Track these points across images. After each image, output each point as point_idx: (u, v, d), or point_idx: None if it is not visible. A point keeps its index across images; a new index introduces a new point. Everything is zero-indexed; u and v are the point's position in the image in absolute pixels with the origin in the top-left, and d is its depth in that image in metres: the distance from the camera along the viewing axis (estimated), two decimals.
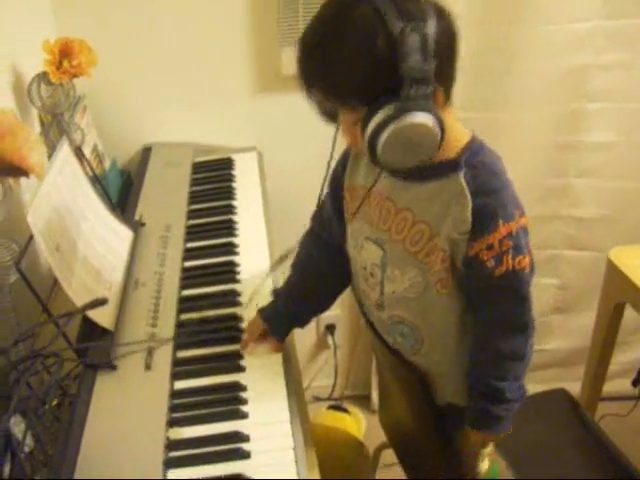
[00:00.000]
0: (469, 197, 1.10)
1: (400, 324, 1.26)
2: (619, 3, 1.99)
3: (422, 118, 1.02)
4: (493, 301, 1.17)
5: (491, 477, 1.44)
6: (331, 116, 1.18)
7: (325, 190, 1.35)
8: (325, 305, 1.45)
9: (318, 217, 1.39)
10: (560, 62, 2.07)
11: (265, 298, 1.42)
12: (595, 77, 2.10)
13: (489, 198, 1.11)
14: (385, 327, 1.31)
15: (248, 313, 1.41)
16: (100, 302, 1.21)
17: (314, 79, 1.08)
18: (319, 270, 1.39)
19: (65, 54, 1.64)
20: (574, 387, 2.01)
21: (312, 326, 1.47)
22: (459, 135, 1.14)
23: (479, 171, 1.12)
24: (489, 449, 1.41)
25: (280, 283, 1.46)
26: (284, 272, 1.45)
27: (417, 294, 1.20)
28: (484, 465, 1.41)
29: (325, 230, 1.38)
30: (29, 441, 0.97)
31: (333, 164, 1.31)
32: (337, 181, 1.32)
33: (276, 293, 1.42)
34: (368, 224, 1.25)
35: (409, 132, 1.03)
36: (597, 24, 2.02)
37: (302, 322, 1.43)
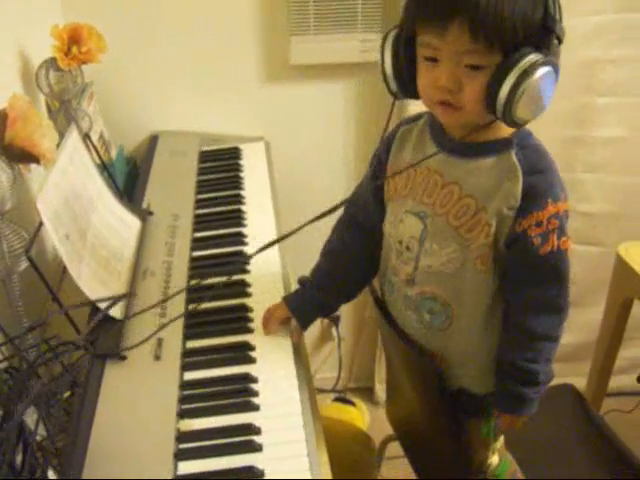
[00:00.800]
0: (520, 174, 1.13)
1: (431, 300, 1.26)
2: None
3: (555, 74, 1.05)
4: (534, 281, 1.19)
5: (502, 471, 1.43)
6: (403, 76, 1.15)
7: (364, 178, 1.36)
8: (352, 294, 1.44)
9: (353, 202, 1.37)
10: (570, 56, 2.02)
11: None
12: (605, 71, 2.09)
13: (539, 177, 1.14)
14: (413, 304, 1.29)
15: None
16: (119, 298, 1.19)
17: (472, 9, 1.02)
18: (351, 257, 1.39)
19: (74, 40, 1.63)
20: (580, 382, 2.00)
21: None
22: None
23: (530, 151, 1.15)
24: (499, 444, 1.40)
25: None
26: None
27: (453, 270, 1.21)
28: (494, 459, 1.41)
29: (362, 214, 1.37)
30: (41, 431, 0.96)
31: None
32: (379, 163, 1.32)
33: (303, 281, 1.41)
34: (411, 198, 1.25)
35: (546, 83, 1.04)
36: (608, 18, 2.01)
37: (329, 311, 1.43)
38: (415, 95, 1.17)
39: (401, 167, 1.26)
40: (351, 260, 1.39)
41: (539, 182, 1.13)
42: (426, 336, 1.30)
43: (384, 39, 1.16)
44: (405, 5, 1.13)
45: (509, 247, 1.17)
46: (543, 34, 1.05)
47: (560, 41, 1.06)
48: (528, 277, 1.18)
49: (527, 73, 1.02)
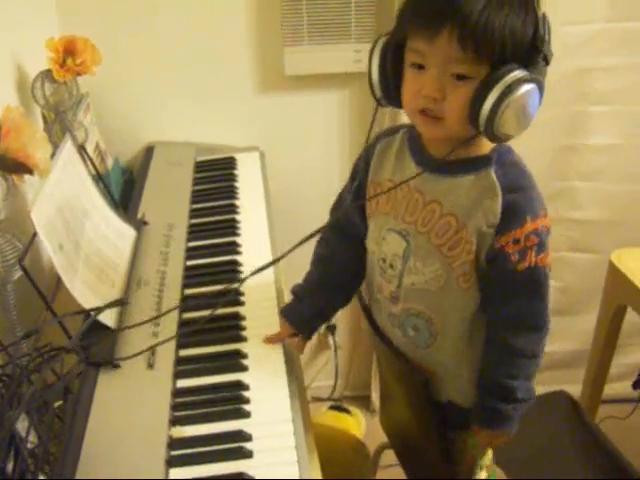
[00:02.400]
0: (500, 192, 1.13)
1: (415, 317, 1.26)
2: (625, 6, 2.00)
3: (539, 93, 1.06)
4: (512, 297, 1.18)
5: None
6: (389, 82, 1.16)
7: (346, 185, 1.37)
8: (348, 297, 1.44)
9: (336, 210, 1.39)
10: (564, 64, 2.07)
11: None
12: (599, 80, 2.10)
13: (518, 195, 1.14)
14: (397, 321, 1.30)
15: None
16: (117, 303, 1.20)
17: (463, 18, 1.02)
18: (344, 262, 1.39)
19: (69, 52, 1.64)
20: (575, 389, 2.01)
21: None
22: None
23: (509, 169, 1.16)
24: (487, 461, 1.40)
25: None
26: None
27: (437, 287, 1.21)
28: (482, 475, 1.41)
29: (345, 221, 1.37)
30: (32, 438, 0.96)
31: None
32: (359, 176, 1.31)
33: (297, 293, 1.41)
34: (392, 216, 1.25)
35: (530, 100, 1.05)
36: (602, 26, 2.02)
37: (327, 317, 1.44)
38: (399, 103, 1.17)
39: (381, 183, 1.27)
40: (341, 267, 1.40)
41: (518, 200, 1.13)
42: (412, 351, 1.31)
43: (373, 45, 1.16)
44: (399, 11, 1.14)
45: (488, 263, 1.17)
46: (531, 53, 1.06)
47: (547, 62, 1.08)
48: (507, 293, 1.18)
49: (511, 88, 1.03)
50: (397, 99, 1.17)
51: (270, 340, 1.34)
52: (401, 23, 1.13)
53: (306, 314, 1.39)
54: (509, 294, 1.18)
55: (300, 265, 1.43)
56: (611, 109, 2.15)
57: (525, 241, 1.13)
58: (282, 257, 1.25)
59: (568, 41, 2.04)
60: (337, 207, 1.40)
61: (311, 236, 1.23)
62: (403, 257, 1.24)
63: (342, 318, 2.45)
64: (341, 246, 1.39)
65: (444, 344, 1.26)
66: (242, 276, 1.52)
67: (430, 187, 1.20)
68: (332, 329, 2.47)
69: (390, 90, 1.16)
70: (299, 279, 1.44)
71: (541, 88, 1.07)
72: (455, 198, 1.17)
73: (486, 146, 1.16)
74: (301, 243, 1.19)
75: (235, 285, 1.42)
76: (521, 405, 1.24)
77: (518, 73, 1.04)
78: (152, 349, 1.27)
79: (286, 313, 1.39)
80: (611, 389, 2.12)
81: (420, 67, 1.10)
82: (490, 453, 1.42)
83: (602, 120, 2.16)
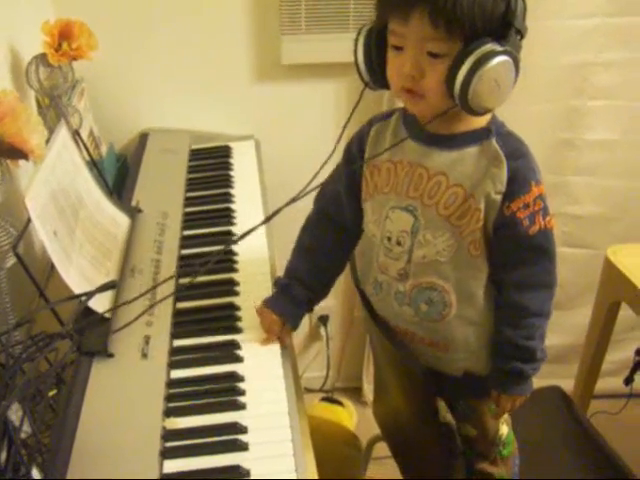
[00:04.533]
0: (504, 160, 1.18)
1: (428, 290, 1.28)
2: (624, 1, 1.99)
3: (513, 65, 1.09)
4: (525, 260, 1.23)
5: (510, 440, 1.48)
6: (372, 61, 1.20)
7: (332, 173, 1.38)
8: (331, 285, 1.45)
9: (323, 197, 1.40)
10: (561, 58, 2.06)
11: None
12: (596, 74, 2.10)
13: (520, 161, 1.19)
14: (407, 298, 1.30)
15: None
16: (108, 286, 1.19)
17: (427, 2, 1.07)
18: (328, 250, 1.41)
19: (65, 36, 1.62)
20: (568, 384, 2.01)
21: (305, 317, 1.47)
22: None
23: (508, 138, 1.21)
24: (505, 415, 1.43)
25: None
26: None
27: (448, 257, 1.24)
28: (504, 429, 1.45)
29: (333, 207, 1.39)
30: (26, 428, 0.95)
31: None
32: (353, 160, 1.34)
33: (282, 283, 1.40)
34: (394, 194, 1.27)
35: (504, 72, 1.09)
36: (600, 21, 2.01)
37: (313, 306, 1.44)
38: (386, 85, 1.22)
39: (379, 165, 1.29)
40: (326, 255, 1.41)
41: (521, 166, 1.19)
42: (425, 328, 1.32)
43: (358, 32, 1.21)
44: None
45: (497, 230, 1.21)
46: (504, 27, 1.09)
47: (521, 36, 1.12)
48: (519, 257, 1.23)
49: (482, 61, 1.07)
50: (383, 81, 1.21)
51: (265, 342, 1.33)
52: (379, 8, 1.18)
53: (292, 304, 1.38)
54: (521, 258, 1.23)
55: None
56: (609, 104, 2.14)
57: (534, 205, 1.19)
58: (268, 219, 1.30)
59: (566, 35, 2.03)
60: (321, 196, 1.41)
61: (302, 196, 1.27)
62: (412, 232, 1.26)
63: (335, 309, 2.44)
64: (326, 235, 1.41)
65: (458, 314, 1.28)
66: (236, 266, 1.51)
67: (434, 161, 1.23)
68: (324, 320, 2.46)
69: (376, 73, 1.20)
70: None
71: (515, 60, 1.09)
72: (461, 169, 1.21)
73: (483, 119, 1.20)
74: (291, 201, 1.25)
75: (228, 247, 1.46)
76: (539, 364, 1.29)
77: (489, 47, 1.08)
78: (146, 333, 1.26)
79: (271, 304, 1.37)
80: (604, 384, 2.12)
81: (399, 48, 1.14)
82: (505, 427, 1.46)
83: (600, 115, 2.16)
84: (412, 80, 1.14)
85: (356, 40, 1.21)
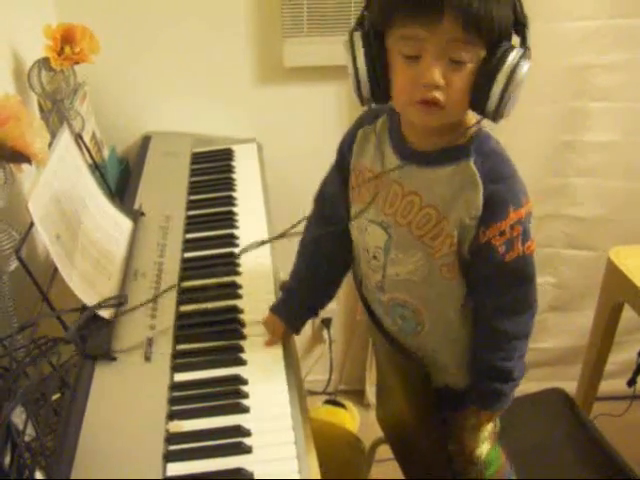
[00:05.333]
0: (480, 183, 1.11)
1: (401, 307, 1.26)
2: (625, 2, 1.99)
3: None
4: (502, 287, 1.19)
5: (493, 459, 1.44)
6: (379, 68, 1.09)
7: (330, 172, 1.36)
8: (337, 286, 1.44)
9: (321, 198, 1.39)
10: (563, 60, 2.06)
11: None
12: (598, 76, 2.10)
13: (499, 185, 1.12)
14: (385, 309, 1.30)
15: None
16: (119, 301, 1.19)
17: (465, 2, 1.00)
18: (325, 254, 1.38)
19: (67, 40, 1.62)
20: (570, 386, 2.01)
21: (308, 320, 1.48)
22: (469, 120, 1.15)
23: (489, 158, 1.13)
24: (487, 432, 1.41)
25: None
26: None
27: (421, 277, 1.20)
28: (484, 447, 1.42)
29: (329, 208, 1.36)
30: (29, 431, 0.95)
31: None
32: (343, 159, 1.31)
33: (287, 288, 1.41)
34: (373, 207, 1.23)
35: (527, 75, 1.05)
36: (603, 23, 2.01)
37: (318, 310, 1.43)
38: (386, 98, 1.12)
39: (362, 171, 1.25)
40: (327, 257, 1.38)
41: (499, 190, 1.12)
42: (402, 338, 1.31)
43: (350, 40, 1.10)
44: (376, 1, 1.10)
45: (474, 255, 1.16)
46: (516, 28, 1.07)
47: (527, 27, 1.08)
48: (495, 283, 1.19)
49: (516, 69, 1.03)
50: (385, 93, 1.12)
51: (269, 343, 1.33)
52: (385, 11, 1.07)
53: (296, 309, 1.38)
54: (498, 283, 1.18)
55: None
56: (610, 106, 2.14)
57: (511, 232, 1.13)
58: (280, 237, 1.27)
59: (568, 37, 2.03)
60: (320, 196, 1.39)
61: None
62: (384, 249, 1.23)
63: (337, 312, 2.44)
64: (327, 237, 1.37)
65: (432, 332, 1.26)
66: (239, 270, 1.51)
67: (409, 178, 1.18)
68: (327, 323, 2.46)
69: (380, 85, 1.10)
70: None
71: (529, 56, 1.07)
72: (435, 190, 1.15)
73: (465, 134, 1.14)
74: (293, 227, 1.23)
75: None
76: (517, 382, 1.27)
77: (517, 53, 1.04)
78: (148, 335, 1.28)
79: (275, 309, 1.38)
80: (606, 386, 2.12)
81: (414, 56, 1.05)
82: (490, 426, 1.42)
83: (601, 117, 2.15)
84: (435, 90, 1.05)
85: (352, 48, 1.10)
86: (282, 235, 1.23)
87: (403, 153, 1.19)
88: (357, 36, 1.10)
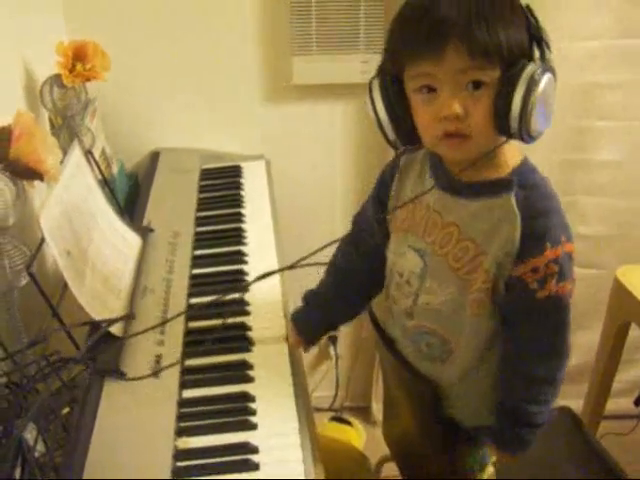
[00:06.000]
0: (519, 219, 1.09)
1: (428, 335, 1.25)
2: (631, 22, 2.00)
3: (554, 80, 1.05)
4: (532, 324, 1.16)
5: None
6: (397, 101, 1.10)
7: (370, 195, 1.35)
8: (358, 310, 1.44)
9: (358, 220, 1.39)
10: (570, 79, 2.07)
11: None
12: (603, 95, 2.10)
13: (538, 221, 1.09)
14: (410, 335, 1.29)
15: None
16: (122, 318, 1.19)
17: (463, 29, 1.00)
18: (360, 277, 1.37)
19: (79, 57, 1.64)
20: (577, 404, 2.00)
21: None
22: (513, 153, 1.13)
23: (530, 193, 1.11)
24: (486, 475, 1.39)
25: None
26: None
27: (452, 310, 1.19)
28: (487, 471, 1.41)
29: (366, 232, 1.35)
30: (39, 447, 0.96)
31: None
32: (383, 188, 1.30)
33: (308, 299, 1.42)
34: (413, 234, 1.23)
35: (550, 89, 1.04)
36: (609, 42, 2.02)
37: (335, 327, 1.44)
38: (415, 139, 1.13)
39: (402, 200, 1.25)
40: (356, 277, 1.38)
41: (538, 226, 1.09)
42: (422, 365, 1.30)
43: (370, 88, 1.12)
44: (388, 45, 1.12)
45: (508, 290, 1.14)
46: (532, 43, 1.04)
47: (549, 47, 1.06)
48: (527, 320, 1.16)
49: (535, 81, 1.01)
50: (412, 134, 1.13)
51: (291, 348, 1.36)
52: (394, 54, 1.10)
53: (314, 322, 1.39)
54: (529, 321, 1.16)
55: (305, 272, 1.43)
56: (617, 125, 2.15)
57: (545, 270, 1.10)
58: (290, 267, 1.22)
59: (573, 57, 2.04)
60: (359, 217, 1.39)
61: (324, 247, 1.20)
62: (420, 276, 1.22)
63: (344, 329, 2.43)
64: (359, 261, 1.37)
65: (454, 363, 1.25)
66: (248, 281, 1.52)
67: (449, 209, 1.17)
68: (333, 339, 2.46)
69: (403, 127, 1.11)
70: (304, 286, 1.44)
71: (554, 74, 1.05)
72: (473, 223, 1.14)
73: (506, 168, 1.13)
74: (314, 252, 1.17)
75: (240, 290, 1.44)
76: (539, 429, 1.23)
77: (532, 67, 1.02)
78: (157, 352, 1.28)
79: (295, 317, 1.40)
80: (613, 404, 2.11)
81: (430, 89, 1.06)
82: (489, 469, 1.41)
83: (607, 135, 2.16)
84: (456, 121, 1.05)
85: (371, 97, 1.12)
86: (292, 266, 1.20)
87: (442, 183, 1.18)
88: (375, 84, 1.12)
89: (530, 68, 1.02)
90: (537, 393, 1.20)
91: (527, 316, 1.15)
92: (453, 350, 1.24)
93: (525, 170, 1.14)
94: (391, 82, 1.10)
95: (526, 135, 1.05)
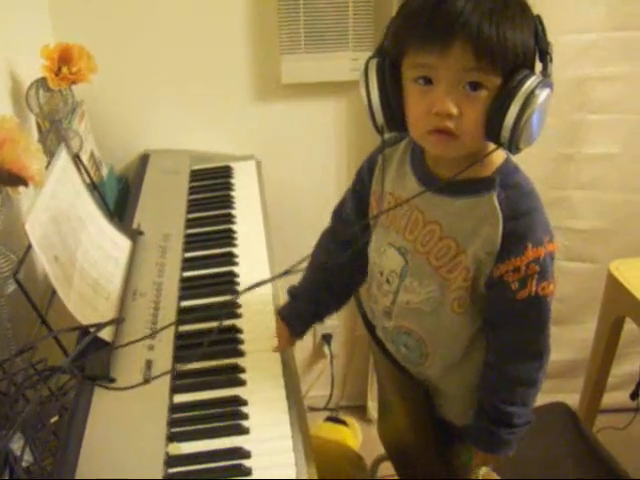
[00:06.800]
0: (501, 219, 1.09)
1: (406, 335, 1.25)
2: (623, 15, 1.99)
3: (550, 94, 1.02)
4: (512, 325, 1.16)
5: None
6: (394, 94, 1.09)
7: (349, 189, 1.35)
8: (342, 301, 1.43)
9: (338, 215, 1.39)
10: (562, 73, 2.05)
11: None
12: (596, 88, 2.10)
13: (520, 221, 1.09)
14: (390, 336, 1.29)
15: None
16: (109, 322, 1.18)
17: (474, 27, 0.98)
18: (339, 267, 1.36)
19: (64, 60, 1.62)
20: (572, 399, 2.00)
21: (308, 335, 1.47)
22: (497, 152, 1.11)
23: (512, 192, 1.11)
24: (483, 471, 1.39)
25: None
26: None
27: (431, 308, 1.19)
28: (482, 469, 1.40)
29: (344, 228, 1.35)
30: (27, 457, 0.95)
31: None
32: (362, 183, 1.30)
33: (293, 292, 1.42)
34: (394, 231, 1.22)
35: (546, 104, 1.02)
36: (600, 35, 2.01)
37: (322, 318, 1.43)
38: (402, 127, 1.11)
39: (383, 194, 1.24)
40: (337, 271, 1.38)
41: (520, 226, 1.09)
42: (406, 365, 1.30)
43: (366, 68, 1.10)
44: (391, 28, 1.09)
45: (488, 289, 1.14)
46: (538, 56, 1.04)
47: (552, 60, 1.04)
48: (506, 321, 1.16)
49: (533, 97, 1.00)
50: (400, 123, 1.11)
51: (276, 349, 1.35)
52: (398, 39, 1.07)
53: (300, 313, 1.39)
54: (509, 322, 1.16)
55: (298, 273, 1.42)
56: (609, 118, 2.14)
57: (526, 270, 1.10)
58: (283, 275, 1.16)
59: (566, 50, 2.03)
60: (337, 213, 1.40)
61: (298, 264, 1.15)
62: (400, 275, 1.22)
63: (338, 327, 2.43)
64: (339, 253, 1.36)
65: (434, 364, 1.25)
66: (238, 288, 1.51)
67: (431, 207, 1.16)
68: (328, 338, 2.45)
69: (394, 114, 1.09)
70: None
71: (552, 88, 1.03)
72: (455, 221, 1.14)
73: (490, 166, 1.12)
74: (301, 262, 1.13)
75: (232, 298, 1.43)
76: (518, 430, 1.22)
77: (534, 80, 1.00)
78: (147, 357, 1.27)
79: (280, 312, 1.41)
80: (609, 398, 2.11)
81: (427, 81, 1.04)
82: (484, 470, 1.40)
83: (600, 129, 2.15)
84: (448, 119, 1.03)
85: (366, 77, 1.10)
86: (286, 273, 1.17)
87: (426, 180, 1.17)
88: (372, 64, 1.10)
89: (531, 81, 1.00)
90: (516, 394, 1.20)
91: (507, 316, 1.15)
92: (429, 353, 1.23)
93: (508, 169, 1.13)
94: (389, 65, 1.08)
95: (514, 147, 1.04)
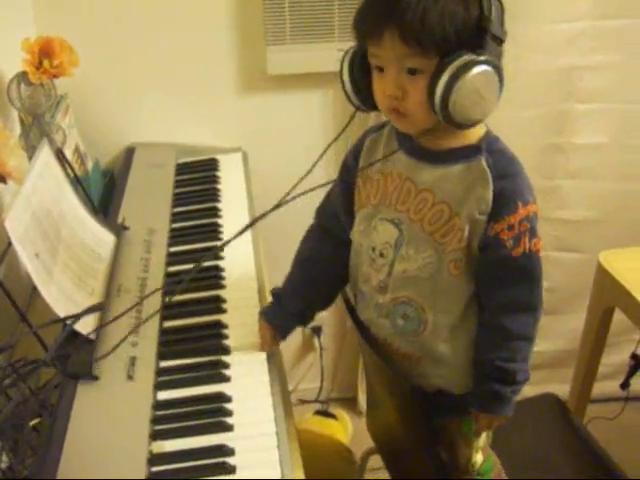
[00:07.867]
0: (490, 180, 1.16)
1: (405, 305, 1.26)
2: (610, 4, 1.99)
3: (495, 73, 1.08)
4: (508, 282, 1.21)
5: (487, 470, 1.42)
6: (359, 79, 1.19)
7: (334, 185, 1.39)
8: (328, 301, 1.45)
9: (323, 210, 1.42)
10: (549, 62, 2.06)
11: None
12: (584, 78, 2.10)
13: (508, 182, 1.17)
14: (385, 310, 1.29)
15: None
16: (95, 309, 1.17)
17: (398, 17, 1.06)
18: (323, 264, 1.40)
19: (45, 53, 1.61)
20: (563, 389, 2.01)
21: (298, 328, 1.47)
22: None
23: (498, 156, 1.19)
24: (482, 442, 1.39)
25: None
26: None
27: (428, 274, 1.22)
28: (478, 457, 1.40)
29: (332, 221, 1.39)
30: (4, 457, 0.94)
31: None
32: (348, 171, 1.35)
33: (276, 293, 1.41)
34: (384, 205, 1.26)
35: (485, 82, 1.08)
36: (587, 24, 2.01)
37: (307, 320, 1.44)
38: (373, 107, 1.22)
39: (371, 176, 1.29)
40: (324, 267, 1.40)
41: (509, 186, 1.17)
42: (401, 341, 1.30)
43: (344, 55, 1.21)
44: (353, 22, 1.18)
45: (482, 250, 1.20)
46: (479, 35, 1.08)
47: (501, 41, 1.11)
48: (502, 279, 1.21)
49: (458, 73, 1.06)
50: (372, 103, 1.21)
51: (260, 349, 1.34)
52: (355, 32, 1.18)
53: (284, 315, 1.39)
54: (505, 279, 1.21)
55: (284, 265, 1.42)
56: (597, 107, 2.14)
57: (519, 227, 1.17)
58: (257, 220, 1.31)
59: (553, 39, 2.03)
60: (322, 209, 1.42)
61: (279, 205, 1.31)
62: (395, 245, 1.25)
63: (327, 320, 2.43)
64: (326, 249, 1.39)
65: (434, 331, 1.26)
66: (224, 283, 1.50)
67: (421, 176, 1.22)
68: (317, 331, 2.45)
69: (364, 96, 1.20)
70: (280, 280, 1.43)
71: (497, 68, 1.08)
72: (447, 187, 1.20)
73: (474, 135, 1.19)
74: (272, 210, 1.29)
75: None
76: (519, 386, 1.26)
77: (465, 58, 1.06)
78: (131, 354, 1.26)
79: (264, 312, 1.40)
80: (599, 388, 2.11)
81: (380, 69, 1.14)
82: (484, 436, 1.41)
83: (588, 118, 2.15)
84: (395, 100, 1.13)
85: (341, 63, 1.21)
86: (263, 215, 1.31)
87: (414, 152, 1.23)
88: (348, 54, 1.21)
89: (463, 59, 1.07)
90: (514, 350, 1.24)
91: (503, 274, 1.21)
92: (428, 320, 1.26)
93: (490, 138, 1.21)
94: (360, 55, 1.18)
95: (451, 122, 1.10)
